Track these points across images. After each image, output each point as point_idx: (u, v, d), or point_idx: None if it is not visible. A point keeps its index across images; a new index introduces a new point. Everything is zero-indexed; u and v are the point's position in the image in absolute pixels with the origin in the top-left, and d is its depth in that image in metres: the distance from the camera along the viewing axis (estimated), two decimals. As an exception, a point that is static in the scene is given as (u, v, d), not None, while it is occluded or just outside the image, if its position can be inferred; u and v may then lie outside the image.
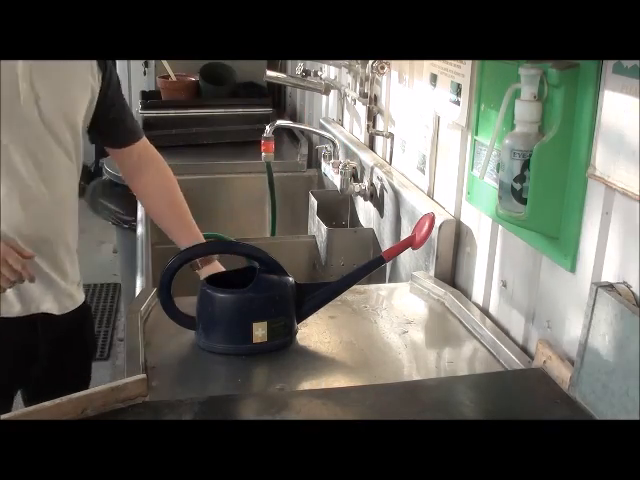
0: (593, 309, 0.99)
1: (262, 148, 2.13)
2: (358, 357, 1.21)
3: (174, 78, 2.77)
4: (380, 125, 1.97)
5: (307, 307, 1.26)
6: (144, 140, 1.56)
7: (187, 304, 1.25)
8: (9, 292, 1.28)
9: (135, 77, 3.63)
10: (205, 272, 1.41)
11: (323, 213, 2.01)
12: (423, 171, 1.66)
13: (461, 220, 1.48)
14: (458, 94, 1.44)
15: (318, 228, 1.98)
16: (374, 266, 1.32)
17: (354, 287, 1.35)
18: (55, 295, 1.37)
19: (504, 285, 1.31)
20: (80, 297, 1.45)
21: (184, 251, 1.21)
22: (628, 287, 0.98)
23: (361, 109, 2.09)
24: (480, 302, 1.40)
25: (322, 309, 1.28)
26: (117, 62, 3.86)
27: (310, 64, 2.41)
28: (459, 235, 1.48)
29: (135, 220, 2.12)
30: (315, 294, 1.26)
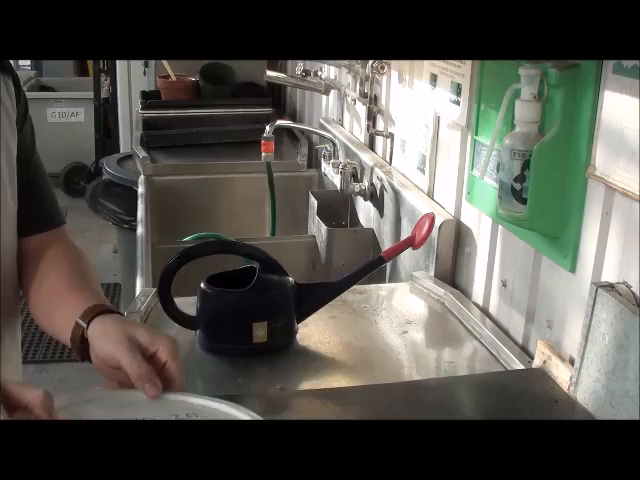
0: (593, 309, 0.99)
1: (262, 148, 2.13)
2: (358, 357, 1.21)
3: (174, 78, 2.77)
4: (380, 125, 1.97)
5: (307, 307, 1.26)
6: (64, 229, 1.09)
7: (187, 304, 1.25)
8: None
9: (135, 77, 3.63)
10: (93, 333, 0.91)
11: (323, 213, 2.01)
12: (423, 171, 1.66)
13: (461, 220, 1.48)
14: (458, 94, 1.44)
15: (318, 228, 1.98)
16: (374, 266, 1.32)
17: (354, 287, 1.35)
18: None
19: (504, 285, 1.31)
20: None
21: (184, 251, 1.20)
22: (628, 287, 0.98)
23: (361, 109, 2.09)
24: (480, 302, 1.40)
25: (322, 309, 1.28)
26: (117, 62, 3.89)
27: (310, 64, 2.41)
28: (459, 235, 1.48)
29: (135, 220, 2.12)
30: (315, 294, 1.26)
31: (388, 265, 1.74)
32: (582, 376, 1.01)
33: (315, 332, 1.28)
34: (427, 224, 1.37)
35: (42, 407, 0.76)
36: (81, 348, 0.91)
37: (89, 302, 0.93)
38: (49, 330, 1.00)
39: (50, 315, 0.99)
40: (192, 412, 0.86)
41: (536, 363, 1.14)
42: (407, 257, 1.62)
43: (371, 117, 1.99)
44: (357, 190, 1.92)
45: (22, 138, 1.00)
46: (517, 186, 1.12)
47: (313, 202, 2.06)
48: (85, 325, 0.90)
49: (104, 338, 0.88)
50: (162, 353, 0.87)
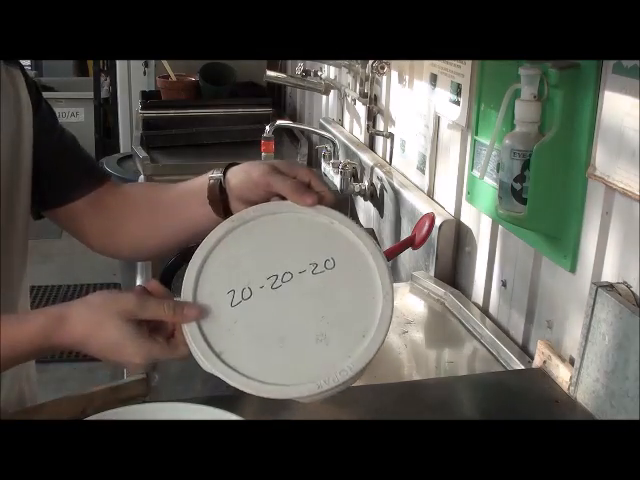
0: (593, 309, 0.99)
1: (262, 148, 2.13)
2: (358, 357, 1.21)
3: (174, 78, 2.77)
4: (380, 125, 1.97)
5: (307, 307, 1.25)
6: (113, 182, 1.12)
7: (187, 304, 1.25)
8: None
9: (135, 77, 3.63)
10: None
11: (323, 213, 2.01)
12: (423, 171, 1.66)
13: (461, 220, 1.48)
14: (458, 94, 1.44)
15: (318, 228, 1.98)
16: (374, 266, 1.32)
17: (354, 287, 1.34)
18: None
19: (504, 285, 1.31)
20: None
21: (184, 251, 1.20)
22: (628, 287, 0.98)
23: (361, 109, 2.09)
24: (480, 302, 1.40)
25: (322, 309, 1.27)
26: (117, 62, 3.89)
27: (310, 64, 2.41)
28: (459, 235, 1.48)
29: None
30: (315, 294, 1.26)
31: (388, 265, 1.74)
32: (582, 376, 1.01)
33: (315, 332, 1.28)
34: (427, 224, 1.37)
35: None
36: (221, 199, 0.96)
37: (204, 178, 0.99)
38: (163, 236, 1.05)
39: (163, 222, 1.04)
40: (330, 256, 0.85)
41: (536, 363, 1.14)
42: (407, 257, 1.62)
43: (371, 117, 1.99)
44: (357, 190, 1.92)
45: (40, 120, 1.02)
46: (517, 186, 1.12)
47: (313, 202, 2.05)
48: (221, 175, 0.97)
49: (248, 173, 0.93)
50: (303, 176, 0.90)
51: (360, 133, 2.15)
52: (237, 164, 0.98)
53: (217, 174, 0.98)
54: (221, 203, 0.97)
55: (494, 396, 1.08)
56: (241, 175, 0.95)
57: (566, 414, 1.01)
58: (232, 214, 0.93)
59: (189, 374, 1.16)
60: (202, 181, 1.00)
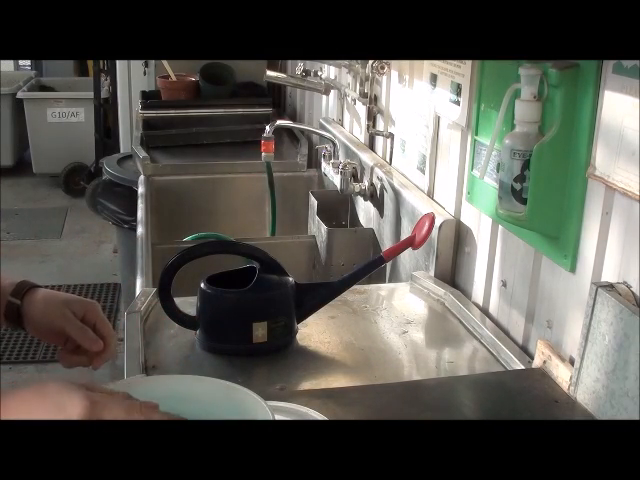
0: (593, 309, 0.99)
1: (262, 148, 2.12)
2: (358, 357, 1.21)
3: (174, 78, 2.77)
4: (380, 125, 1.97)
5: (307, 307, 1.26)
6: None
7: (187, 304, 1.25)
8: None
9: (135, 77, 3.63)
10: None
11: (323, 213, 2.01)
12: (423, 171, 1.66)
13: (461, 220, 1.48)
14: (458, 94, 1.44)
15: (318, 228, 1.98)
16: (374, 266, 1.32)
17: (354, 287, 1.35)
18: None
19: (504, 285, 1.31)
20: None
21: (184, 251, 1.20)
22: (628, 287, 0.98)
23: (361, 109, 2.09)
24: (480, 302, 1.40)
25: (322, 309, 1.28)
26: (117, 62, 3.89)
27: (310, 64, 2.41)
28: (459, 235, 1.48)
29: (135, 220, 2.12)
30: (315, 294, 1.26)
31: (388, 265, 1.74)
32: (582, 376, 1.02)
33: (315, 332, 1.28)
34: (427, 224, 1.37)
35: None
36: (17, 321, 1.01)
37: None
38: None
39: None
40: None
41: (536, 363, 1.14)
42: (407, 257, 1.62)
43: (371, 117, 1.99)
44: (357, 190, 1.92)
45: None
46: (517, 186, 1.12)
47: (313, 202, 2.06)
48: (19, 302, 1.00)
49: (44, 310, 1.00)
50: (91, 316, 1.00)
51: (360, 133, 2.15)
52: (36, 287, 1.01)
53: (15, 300, 1.00)
54: (14, 324, 1.01)
55: (494, 396, 1.08)
56: (39, 310, 0.99)
57: (566, 414, 1.01)
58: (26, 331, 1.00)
59: (189, 374, 1.16)
60: (3, 293, 1.00)
